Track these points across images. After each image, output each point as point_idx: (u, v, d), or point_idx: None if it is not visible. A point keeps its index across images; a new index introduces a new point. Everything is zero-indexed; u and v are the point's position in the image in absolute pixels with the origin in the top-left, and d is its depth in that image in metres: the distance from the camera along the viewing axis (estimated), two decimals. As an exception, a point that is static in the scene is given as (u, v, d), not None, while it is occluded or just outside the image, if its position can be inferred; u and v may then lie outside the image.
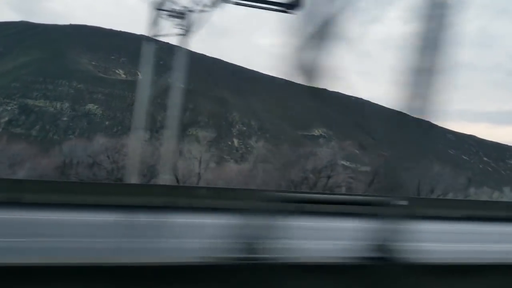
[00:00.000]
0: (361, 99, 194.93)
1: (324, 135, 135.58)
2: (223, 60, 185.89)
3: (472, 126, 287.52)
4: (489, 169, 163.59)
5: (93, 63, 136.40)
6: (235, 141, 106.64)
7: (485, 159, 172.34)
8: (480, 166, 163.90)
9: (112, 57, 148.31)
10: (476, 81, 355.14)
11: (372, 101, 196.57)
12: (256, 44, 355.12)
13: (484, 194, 78.94)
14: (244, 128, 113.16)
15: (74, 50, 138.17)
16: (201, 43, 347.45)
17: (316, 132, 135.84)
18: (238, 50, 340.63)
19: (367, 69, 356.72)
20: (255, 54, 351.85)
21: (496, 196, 74.91)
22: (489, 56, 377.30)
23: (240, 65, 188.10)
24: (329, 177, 44.56)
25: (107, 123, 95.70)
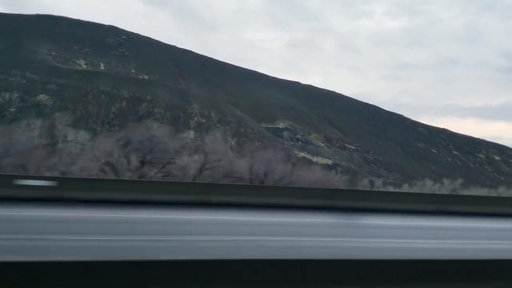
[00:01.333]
0: (334, 92, 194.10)
1: (289, 128, 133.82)
2: (194, 52, 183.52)
3: (460, 121, 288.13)
4: (458, 162, 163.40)
5: (53, 53, 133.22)
6: (191, 133, 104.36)
7: (455, 152, 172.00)
8: (449, 159, 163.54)
9: (75, 47, 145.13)
10: (464, 77, 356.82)
11: (346, 94, 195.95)
12: (240, 38, 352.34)
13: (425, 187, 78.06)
14: (203, 120, 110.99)
15: (34, 40, 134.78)
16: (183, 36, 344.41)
17: (281, 125, 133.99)
18: (223, 44, 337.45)
19: (355, 63, 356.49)
20: (237, 48, 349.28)
21: (436, 188, 74.06)
22: (476, 52, 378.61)
23: (213, 57, 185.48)
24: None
25: (57, 114, 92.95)
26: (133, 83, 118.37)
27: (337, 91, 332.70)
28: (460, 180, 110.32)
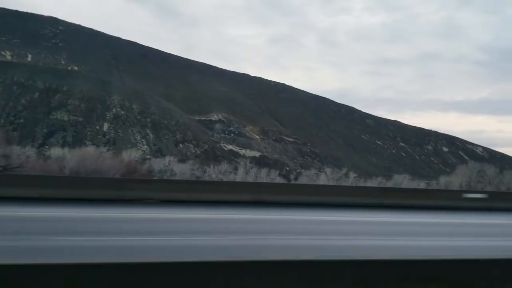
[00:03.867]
0: (283, 84, 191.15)
1: (224, 120, 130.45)
2: (138, 43, 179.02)
3: (442, 116, 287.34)
4: (403, 154, 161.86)
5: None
6: (105, 125, 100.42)
7: (401, 144, 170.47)
8: (394, 151, 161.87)
9: (3, 38, 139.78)
10: (444, 71, 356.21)
11: (296, 87, 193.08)
12: (221, 34, 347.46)
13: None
14: (123, 112, 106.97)
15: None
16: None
17: (215, 117, 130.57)
18: (204, 41, 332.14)
19: (336, 59, 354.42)
20: (218, 45, 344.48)
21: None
22: (456, 47, 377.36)
23: (158, 48, 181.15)
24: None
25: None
26: (52, 74, 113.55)
27: (320, 86, 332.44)
28: (401, 172, 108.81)
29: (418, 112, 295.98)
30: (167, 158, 71.77)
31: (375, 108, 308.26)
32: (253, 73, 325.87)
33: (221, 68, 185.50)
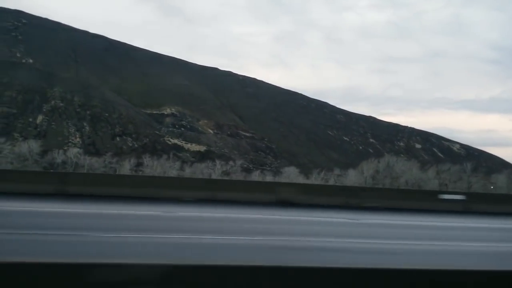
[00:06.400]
0: (254, 79, 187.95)
1: (176, 114, 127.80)
2: (104, 37, 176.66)
3: (453, 114, 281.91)
4: (371, 150, 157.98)
5: None
6: (40, 117, 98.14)
7: (371, 140, 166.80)
8: (361, 147, 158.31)
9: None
10: (453, 69, 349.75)
11: (271, 83, 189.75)
12: (225, 32, 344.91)
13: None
14: (62, 104, 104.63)
15: None
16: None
17: (168, 111, 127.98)
18: (209, 39, 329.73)
19: (342, 57, 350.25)
20: (223, 42, 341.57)
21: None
22: (464, 44, 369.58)
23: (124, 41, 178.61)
24: None
25: None
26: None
27: (324, 84, 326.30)
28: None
29: (427, 111, 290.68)
30: (71, 151, 69.03)
31: (382, 106, 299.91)
32: (257, 71, 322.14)
33: (190, 62, 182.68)
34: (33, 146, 67.68)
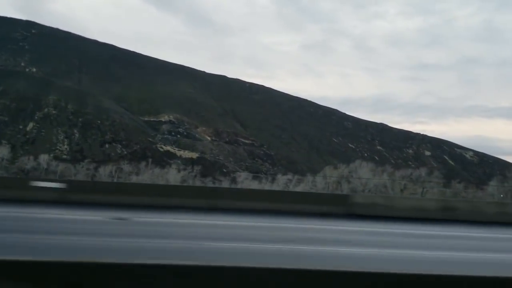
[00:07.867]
0: (263, 86, 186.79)
1: (174, 121, 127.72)
2: (112, 45, 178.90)
3: (488, 122, 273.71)
4: (376, 157, 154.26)
5: None
6: (30, 124, 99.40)
7: (378, 147, 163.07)
8: (366, 154, 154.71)
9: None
10: (487, 77, 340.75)
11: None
12: (254, 42, 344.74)
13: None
14: (54, 112, 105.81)
15: None
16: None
17: (165, 118, 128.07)
18: (238, 49, 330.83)
19: (372, 64, 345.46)
20: (252, 52, 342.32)
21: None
22: (498, 51, 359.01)
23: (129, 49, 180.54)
24: None
25: None
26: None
27: (355, 93, 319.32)
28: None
29: (460, 119, 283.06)
30: (42, 157, 69.26)
31: (415, 114, 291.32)
32: (286, 80, 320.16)
33: (198, 70, 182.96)
34: (3, 152, 68.23)
